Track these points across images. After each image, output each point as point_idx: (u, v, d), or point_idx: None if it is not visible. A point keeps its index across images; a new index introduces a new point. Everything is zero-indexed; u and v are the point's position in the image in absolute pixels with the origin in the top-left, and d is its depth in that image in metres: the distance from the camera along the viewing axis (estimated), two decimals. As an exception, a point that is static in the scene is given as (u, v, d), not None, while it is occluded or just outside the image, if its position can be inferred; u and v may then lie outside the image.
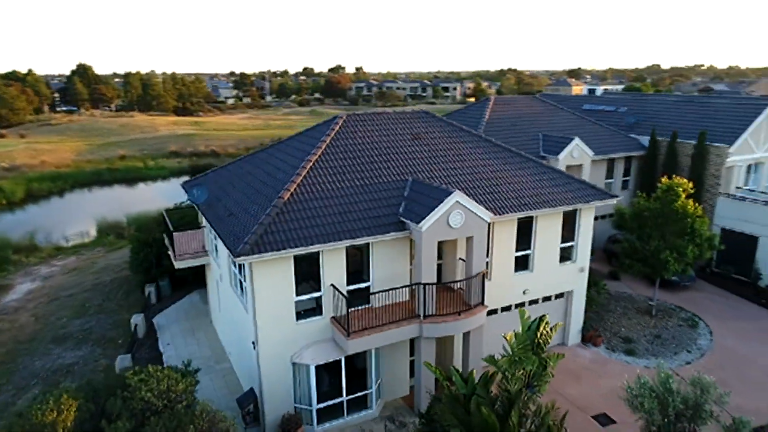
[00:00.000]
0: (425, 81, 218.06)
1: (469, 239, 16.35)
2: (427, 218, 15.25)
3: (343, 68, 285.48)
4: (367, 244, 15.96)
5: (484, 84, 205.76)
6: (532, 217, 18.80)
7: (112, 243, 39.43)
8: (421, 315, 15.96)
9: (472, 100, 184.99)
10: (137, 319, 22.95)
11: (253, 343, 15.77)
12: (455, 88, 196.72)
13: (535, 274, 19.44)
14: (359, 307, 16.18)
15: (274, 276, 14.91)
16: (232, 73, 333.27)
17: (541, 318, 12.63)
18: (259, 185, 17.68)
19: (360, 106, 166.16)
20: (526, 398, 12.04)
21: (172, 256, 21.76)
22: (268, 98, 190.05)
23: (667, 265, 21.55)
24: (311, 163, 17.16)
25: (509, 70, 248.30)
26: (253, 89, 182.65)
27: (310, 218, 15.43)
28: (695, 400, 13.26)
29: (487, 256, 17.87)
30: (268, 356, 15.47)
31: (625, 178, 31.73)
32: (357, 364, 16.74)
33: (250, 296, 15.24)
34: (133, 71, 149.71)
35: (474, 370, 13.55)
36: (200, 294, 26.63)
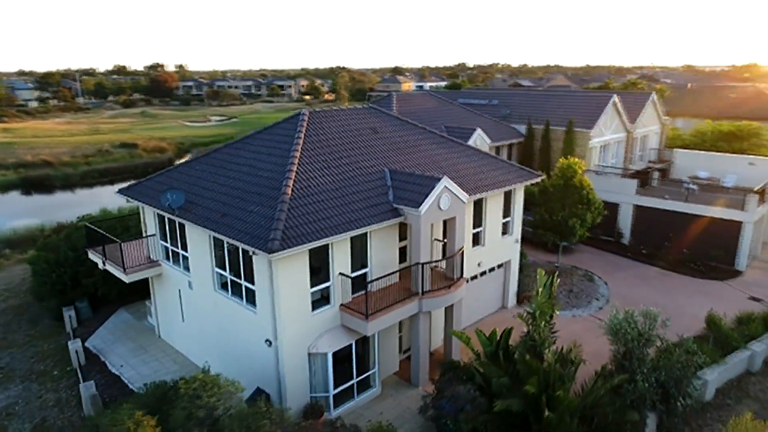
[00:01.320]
0: (258, 79, 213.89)
1: (451, 220, 18.24)
2: (425, 202, 16.77)
3: (163, 66, 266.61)
4: (366, 232, 16.92)
5: (318, 82, 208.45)
6: (482, 198, 21.30)
7: (-33, 272, 33.46)
8: (420, 292, 17.45)
9: (308, 98, 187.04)
10: (76, 346, 20.65)
11: (267, 341, 15.83)
12: (290, 86, 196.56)
13: (486, 248, 22.06)
14: (360, 293, 17.14)
15: (293, 270, 15.19)
16: (21, 72, 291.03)
17: (552, 275, 15.07)
18: (244, 185, 17.45)
19: (193, 106, 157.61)
20: (550, 342, 14.37)
21: (117, 270, 20.12)
22: (81, 99, 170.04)
23: (574, 230, 25.87)
24: (297, 159, 17.48)
25: (339, 67, 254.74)
26: (65, 90, 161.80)
27: (318, 212, 15.94)
28: (647, 328, 16.87)
29: (453, 235, 19.92)
30: (289, 351, 15.67)
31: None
32: (358, 348, 17.61)
33: (267, 294, 15.31)
34: None
35: (496, 329, 15.53)
36: (129, 311, 24.62)
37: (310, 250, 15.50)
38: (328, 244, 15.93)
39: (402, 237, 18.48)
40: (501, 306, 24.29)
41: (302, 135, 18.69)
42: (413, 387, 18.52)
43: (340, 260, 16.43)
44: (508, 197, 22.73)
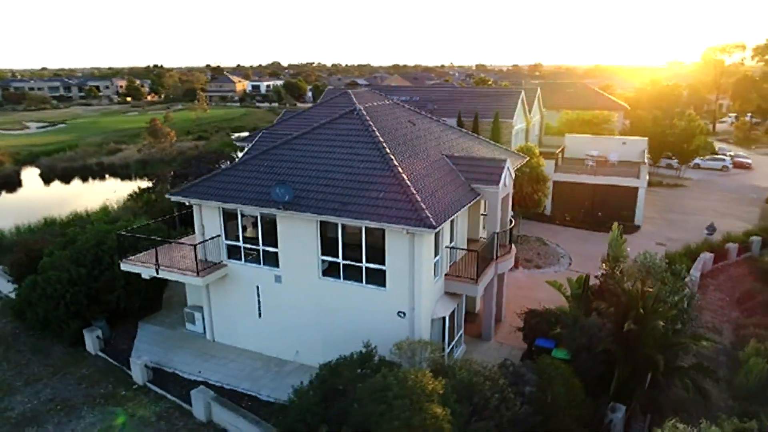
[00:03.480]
0: (65, 79, 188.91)
1: (506, 196, 21.58)
2: (501, 181, 19.90)
3: None
4: (455, 209, 19.42)
5: (137, 82, 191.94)
6: (497, 178, 24.95)
7: None
8: (495, 257, 20.54)
9: (130, 99, 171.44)
10: (143, 361, 19.43)
11: (401, 313, 17.57)
12: (107, 87, 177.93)
13: (499, 220, 25.83)
14: (452, 262, 19.69)
15: (427, 246, 17.18)
16: None
17: (621, 229, 19.38)
18: (345, 175, 18.44)
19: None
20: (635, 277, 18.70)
21: (185, 275, 19.64)
22: None
23: (539, 203, 31.06)
24: (387, 149, 19.17)
25: (156, 66, 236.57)
26: None
27: (434, 193, 18.04)
28: (650, 263, 22.23)
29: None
30: (423, 319, 17.59)
31: (441, 152, 40.60)
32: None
33: (404, 270, 17.08)
34: None
35: (581, 275, 19.35)
36: (153, 323, 23.27)
37: (431, 227, 17.59)
38: (440, 221, 18.14)
39: (465, 213, 21.29)
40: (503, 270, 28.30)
41: (373, 127, 20.29)
42: (485, 341, 21.54)
43: (446, 235, 18.76)
44: (506, 176, 26.76)
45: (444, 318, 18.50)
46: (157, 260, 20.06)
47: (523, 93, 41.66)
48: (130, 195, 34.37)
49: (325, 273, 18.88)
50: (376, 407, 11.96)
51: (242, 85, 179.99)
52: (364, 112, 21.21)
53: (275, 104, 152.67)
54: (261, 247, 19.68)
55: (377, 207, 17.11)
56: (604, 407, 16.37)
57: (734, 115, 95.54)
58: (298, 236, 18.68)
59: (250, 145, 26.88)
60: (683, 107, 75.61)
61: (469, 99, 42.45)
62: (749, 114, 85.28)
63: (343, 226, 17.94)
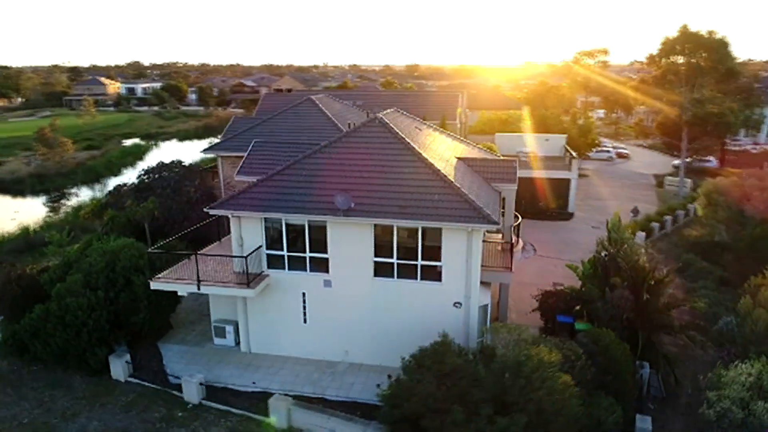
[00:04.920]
0: None
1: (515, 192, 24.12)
2: (516, 179, 22.34)
3: None
4: (483, 206, 21.50)
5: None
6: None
7: None
8: (511, 246, 22.94)
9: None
10: (198, 379, 19.02)
11: (457, 303, 19.28)
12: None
13: (487, 214, 28.39)
14: (481, 255, 21.77)
15: (480, 239, 19.06)
16: None
17: (617, 214, 22.71)
18: (390, 180, 19.57)
19: None
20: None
21: (233, 288, 19.65)
22: None
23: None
24: (422, 153, 20.64)
25: (2, 67, 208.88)
26: None
27: (477, 192, 19.90)
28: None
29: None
30: (475, 308, 19.43)
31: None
32: (480, 300, 22.08)
33: (461, 264, 18.82)
34: None
35: (592, 257, 22.36)
36: (172, 343, 22.55)
37: (477, 224, 19.50)
38: (480, 218, 20.10)
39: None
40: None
41: (401, 134, 21.62)
42: (502, 323, 23.90)
43: (482, 230, 20.77)
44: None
45: (486, 305, 20.53)
46: (198, 275, 19.74)
47: (460, 96, 44.90)
48: (91, 212, 31.83)
49: (375, 273, 19.92)
50: (511, 382, 13.63)
51: (115, 87, 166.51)
52: (385, 120, 22.44)
53: (156, 107, 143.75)
54: (308, 254, 20.17)
55: (436, 209, 18.59)
56: (635, 365, 19.48)
57: (602, 111, 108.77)
58: (352, 241, 19.52)
59: (246, 154, 26.72)
60: (566, 105, 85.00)
61: (413, 102, 44.70)
62: (616, 111, 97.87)
63: (397, 228, 19.17)
